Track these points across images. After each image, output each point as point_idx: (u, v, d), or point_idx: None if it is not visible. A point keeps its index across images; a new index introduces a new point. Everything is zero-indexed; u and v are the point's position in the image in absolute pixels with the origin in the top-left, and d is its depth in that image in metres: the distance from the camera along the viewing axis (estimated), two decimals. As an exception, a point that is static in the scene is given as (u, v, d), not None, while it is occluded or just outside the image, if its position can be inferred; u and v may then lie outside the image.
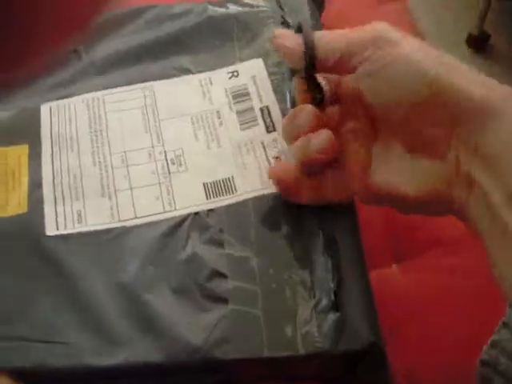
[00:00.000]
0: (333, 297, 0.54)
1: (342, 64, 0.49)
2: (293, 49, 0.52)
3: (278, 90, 0.66)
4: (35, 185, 0.60)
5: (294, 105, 0.57)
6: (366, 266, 0.57)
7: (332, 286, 0.54)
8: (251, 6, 0.75)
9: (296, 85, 0.56)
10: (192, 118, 0.65)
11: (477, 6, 1.64)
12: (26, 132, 0.64)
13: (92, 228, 0.57)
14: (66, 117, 0.65)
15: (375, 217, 0.68)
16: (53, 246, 0.56)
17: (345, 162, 0.52)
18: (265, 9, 0.74)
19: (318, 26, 0.76)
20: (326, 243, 0.57)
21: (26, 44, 0.22)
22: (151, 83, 0.68)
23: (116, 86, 0.68)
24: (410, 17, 0.91)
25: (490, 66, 1.66)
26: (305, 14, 0.72)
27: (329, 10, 0.83)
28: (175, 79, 0.68)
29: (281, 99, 0.65)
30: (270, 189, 0.60)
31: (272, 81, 0.67)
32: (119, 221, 0.58)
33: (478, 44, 1.67)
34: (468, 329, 0.58)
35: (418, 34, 0.87)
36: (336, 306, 0.54)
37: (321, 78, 0.55)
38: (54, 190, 0.60)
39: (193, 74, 0.69)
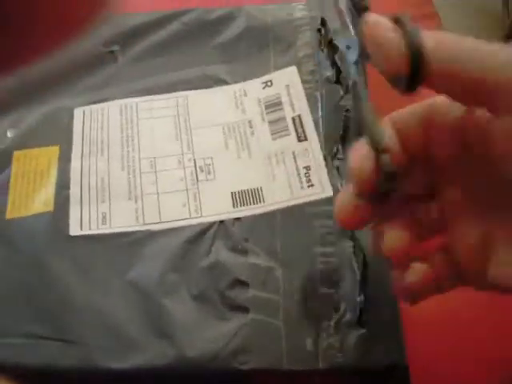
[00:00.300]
0: (358, 312, 0.51)
1: (477, 87, 0.29)
2: (392, 41, 0.31)
3: (311, 99, 0.65)
4: (63, 185, 0.60)
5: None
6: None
7: (358, 300, 0.52)
8: (288, 13, 0.74)
9: (365, 113, 0.34)
10: (224, 128, 0.65)
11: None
12: (58, 134, 0.64)
13: (116, 230, 0.57)
14: (99, 121, 0.65)
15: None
16: (75, 245, 0.55)
17: (450, 248, 0.37)
18: (301, 15, 0.73)
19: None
20: (356, 257, 0.55)
21: (21, 44, 0.21)
22: (186, 93, 0.68)
23: (151, 93, 0.68)
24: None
25: None
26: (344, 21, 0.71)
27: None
28: (210, 89, 0.68)
29: (313, 108, 0.64)
30: (298, 200, 0.58)
31: (306, 89, 0.66)
32: (144, 224, 0.57)
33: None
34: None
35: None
36: (361, 322, 0.51)
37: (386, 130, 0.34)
38: (81, 191, 0.59)
39: (228, 84, 0.68)
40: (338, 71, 0.66)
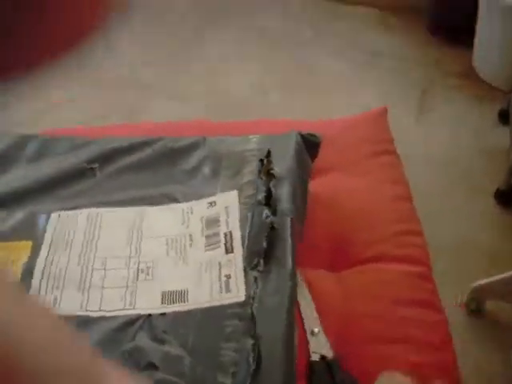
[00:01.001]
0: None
1: None
2: None
3: (243, 218, 0.78)
4: (28, 273, 0.74)
5: None
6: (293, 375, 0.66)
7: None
8: (243, 144, 0.89)
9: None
10: (167, 239, 0.78)
11: (507, 159, 1.73)
12: (34, 232, 0.79)
13: (63, 312, 0.69)
14: (69, 225, 0.80)
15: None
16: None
17: None
18: (252, 147, 0.88)
19: (305, 174, 0.88)
20: (253, 353, 0.66)
21: (27, 51, 0.24)
22: (143, 208, 0.82)
23: (115, 205, 0.83)
24: (401, 169, 1.02)
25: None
26: (288, 160, 0.85)
27: (323, 157, 0.95)
28: (163, 206, 0.82)
29: (244, 225, 0.77)
30: (216, 302, 0.71)
31: (241, 210, 0.79)
32: (86, 310, 0.70)
33: (506, 199, 1.74)
34: None
35: (406, 186, 0.98)
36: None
37: None
38: (42, 277, 0.73)
39: (179, 202, 0.83)
40: (269, 195, 0.80)
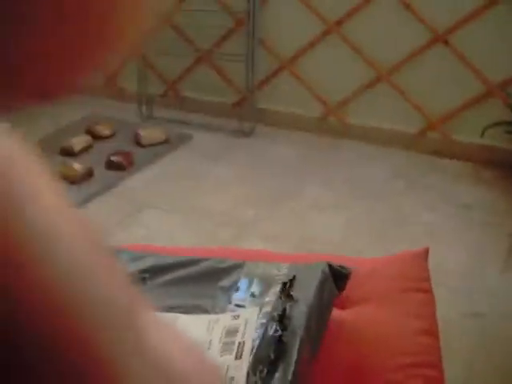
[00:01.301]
0: None
1: None
2: None
3: (257, 330, 0.88)
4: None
5: None
6: None
7: None
8: (275, 269, 1.01)
9: None
10: None
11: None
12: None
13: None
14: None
15: None
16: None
17: None
18: (281, 272, 0.99)
19: (327, 301, 0.98)
20: None
21: (46, 72, 0.21)
22: (177, 315, 0.95)
23: (156, 311, 0.95)
24: (433, 307, 1.07)
25: None
26: (311, 287, 0.96)
27: (358, 288, 1.04)
28: (194, 315, 0.94)
29: (256, 336, 0.87)
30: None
31: (257, 324, 0.90)
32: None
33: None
34: None
35: (434, 322, 1.03)
36: None
37: None
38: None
39: (208, 313, 0.95)
40: (284, 314, 0.90)
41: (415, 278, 1.13)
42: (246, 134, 2.91)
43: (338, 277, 1.03)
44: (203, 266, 1.05)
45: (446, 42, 2.56)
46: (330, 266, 1.02)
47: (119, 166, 2.57)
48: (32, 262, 0.25)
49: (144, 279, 1.02)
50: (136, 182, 2.55)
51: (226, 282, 1.01)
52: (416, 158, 2.67)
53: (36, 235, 0.26)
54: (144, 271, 1.03)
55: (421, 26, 2.57)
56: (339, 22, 2.72)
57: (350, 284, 1.04)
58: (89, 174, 2.50)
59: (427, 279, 1.14)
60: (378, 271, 1.13)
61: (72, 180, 2.42)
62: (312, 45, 2.81)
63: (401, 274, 1.13)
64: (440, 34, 2.55)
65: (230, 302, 0.97)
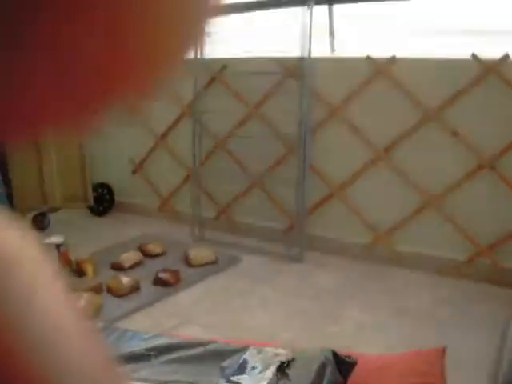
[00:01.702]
0: None
1: None
2: None
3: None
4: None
5: None
6: None
7: None
8: (279, 354, 1.01)
9: None
10: None
11: None
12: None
13: None
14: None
15: None
16: None
17: None
18: (285, 354, 1.00)
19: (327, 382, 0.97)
20: None
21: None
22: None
23: (156, 382, 0.97)
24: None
25: None
26: (309, 369, 0.96)
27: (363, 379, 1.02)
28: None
29: None
30: None
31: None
32: None
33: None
34: None
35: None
36: None
37: None
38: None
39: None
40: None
41: (426, 373, 1.10)
42: (295, 259, 2.93)
43: (342, 364, 1.02)
44: (209, 348, 1.06)
45: (492, 168, 2.59)
46: (334, 353, 1.02)
47: (166, 283, 2.63)
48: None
49: (149, 356, 1.04)
50: (181, 299, 2.59)
51: (227, 363, 1.02)
52: (464, 286, 2.61)
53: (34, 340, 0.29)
54: (149, 349, 1.05)
55: (468, 153, 2.62)
56: (387, 149, 2.80)
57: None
58: (136, 288, 2.57)
59: (439, 375, 1.10)
60: (391, 366, 1.11)
61: (120, 293, 2.50)
62: (361, 171, 2.88)
63: (411, 368, 1.10)
64: (487, 160, 2.58)
65: (227, 380, 0.97)
